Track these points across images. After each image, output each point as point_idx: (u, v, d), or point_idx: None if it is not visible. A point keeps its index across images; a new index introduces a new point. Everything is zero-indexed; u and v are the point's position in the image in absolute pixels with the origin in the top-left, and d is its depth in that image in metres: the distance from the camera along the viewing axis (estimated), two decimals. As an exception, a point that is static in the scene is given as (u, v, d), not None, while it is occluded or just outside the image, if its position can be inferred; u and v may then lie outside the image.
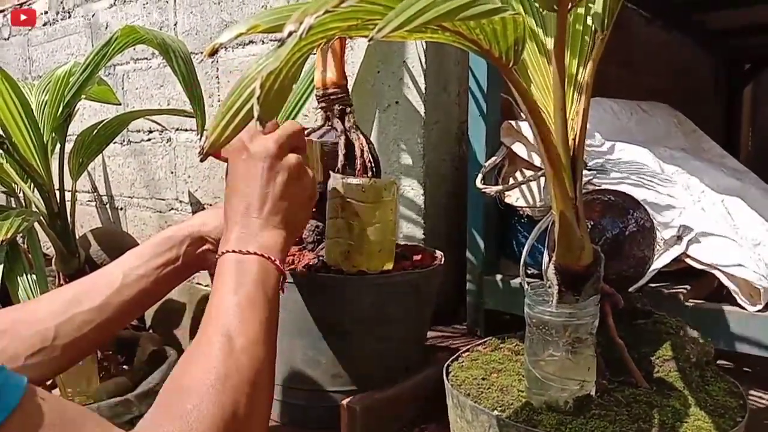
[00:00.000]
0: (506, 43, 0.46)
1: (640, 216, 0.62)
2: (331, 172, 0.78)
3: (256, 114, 0.31)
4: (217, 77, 1.43)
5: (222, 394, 0.48)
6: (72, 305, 0.65)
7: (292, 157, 0.65)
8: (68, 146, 1.20)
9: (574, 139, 0.55)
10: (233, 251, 0.59)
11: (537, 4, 0.56)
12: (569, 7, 0.48)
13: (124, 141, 1.71)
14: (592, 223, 0.62)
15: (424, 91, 1.13)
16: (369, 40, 0.30)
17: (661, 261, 0.93)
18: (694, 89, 2.43)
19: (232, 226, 0.62)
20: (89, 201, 1.89)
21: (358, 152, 0.82)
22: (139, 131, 1.66)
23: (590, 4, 0.59)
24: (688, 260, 0.94)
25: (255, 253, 0.59)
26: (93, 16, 1.77)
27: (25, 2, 2.04)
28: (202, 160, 0.48)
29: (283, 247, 0.62)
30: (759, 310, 0.89)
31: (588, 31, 0.59)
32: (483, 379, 0.67)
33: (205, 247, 0.72)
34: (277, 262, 0.60)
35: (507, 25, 0.43)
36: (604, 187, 0.97)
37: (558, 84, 0.52)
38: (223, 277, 0.58)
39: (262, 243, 0.60)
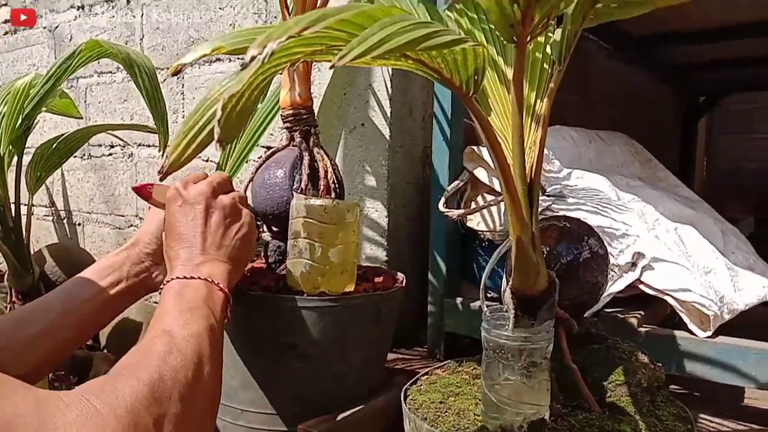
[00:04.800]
0: (467, 72, 0.47)
1: (594, 243, 0.64)
2: (294, 193, 0.78)
3: (216, 136, 0.31)
4: (183, 93, 1.43)
5: (163, 364, 0.48)
6: (15, 328, 0.64)
7: (225, 198, 0.68)
8: (26, 158, 1.17)
9: (531, 167, 0.56)
10: (177, 278, 0.60)
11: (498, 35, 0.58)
12: (528, 40, 0.50)
13: (84, 155, 1.68)
14: (547, 248, 0.64)
15: (389, 115, 1.15)
16: (331, 67, 0.30)
17: (616, 287, 0.95)
18: (652, 119, 2.52)
19: (175, 263, 0.63)
20: (46, 215, 1.84)
21: (321, 173, 0.82)
22: (100, 145, 1.64)
23: (549, 34, 0.61)
24: (641, 286, 0.97)
25: (199, 278, 0.60)
26: (56, 27, 1.74)
27: (-13, 11, 2.00)
28: (162, 179, 0.47)
29: (227, 277, 0.64)
30: (708, 336, 0.92)
31: (547, 59, 0.61)
32: (441, 402, 0.67)
33: (146, 265, 0.72)
34: (222, 286, 0.61)
35: (467, 55, 0.45)
36: (561, 212, 0.99)
37: (516, 113, 0.53)
38: (166, 298, 0.59)
39: (207, 273, 0.61)
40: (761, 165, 3.12)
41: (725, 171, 3.23)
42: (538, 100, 0.58)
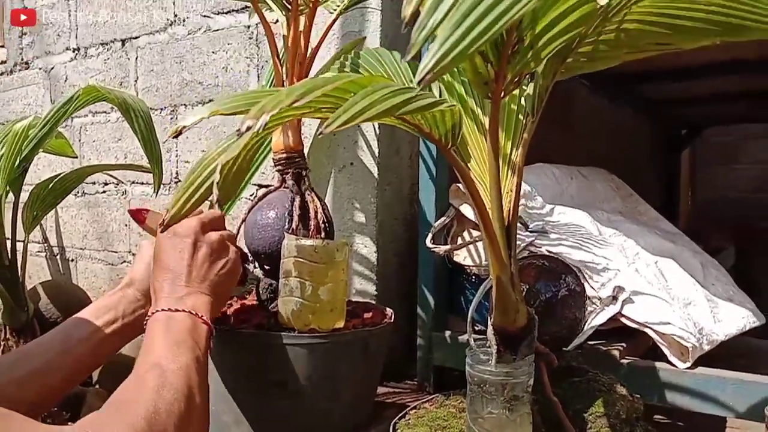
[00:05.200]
0: (444, 127, 0.51)
1: (571, 280, 0.67)
2: (285, 233, 0.82)
3: (215, 197, 0.34)
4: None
5: (158, 397, 0.52)
6: (11, 368, 0.67)
7: (213, 234, 0.71)
8: (23, 196, 1.20)
9: (509, 211, 0.60)
10: (162, 310, 0.63)
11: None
12: (502, 96, 0.54)
13: (78, 192, 1.71)
14: (527, 286, 0.67)
15: (377, 154, 1.19)
16: (318, 135, 0.34)
17: (598, 320, 0.99)
18: (634, 153, 2.58)
19: (159, 294, 0.66)
20: (39, 251, 1.86)
21: (312, 214, 0.86)
22: (94, 183, 1.67)
23: (524, 87, 0.65)
24: (623, 319, 1.00)
25: (183, 311, 0.63)
26: (52, 68, 1.79)
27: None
28: (162, 231, 0.51)
29: (209, 309, 0.67)
30: (688, 367, 0.95)
31: (522, 110, 0.65)
32: (427, 436, 0.69)
33: (141, 303, 0.75)
34: (205, 318, 0.65)
35: (444, 113, 0.49)
36: (544, 248, 1.02)
37: (493, 161, 0.57)
38: (152, 331, 0.62)
39: (190, 305, 0.64)
40: (742, 195, 3.18)
41: (708, 201, 3.30)
42: (514, 149, 0.62)
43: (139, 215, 0.75)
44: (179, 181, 1.46)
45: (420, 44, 0.28)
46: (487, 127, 0.63)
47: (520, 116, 0.65)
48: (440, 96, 0.66)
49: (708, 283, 1.23)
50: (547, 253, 1.00)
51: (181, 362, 0.57)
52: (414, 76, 0.63)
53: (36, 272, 1.86)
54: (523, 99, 0.65)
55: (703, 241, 1.76)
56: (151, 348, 0.59)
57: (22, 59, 1.89)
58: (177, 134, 0.39)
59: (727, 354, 1.03)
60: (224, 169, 0.35)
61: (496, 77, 0.53)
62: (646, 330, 0.98)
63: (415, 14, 0.30)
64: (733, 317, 1.13)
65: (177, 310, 0.63)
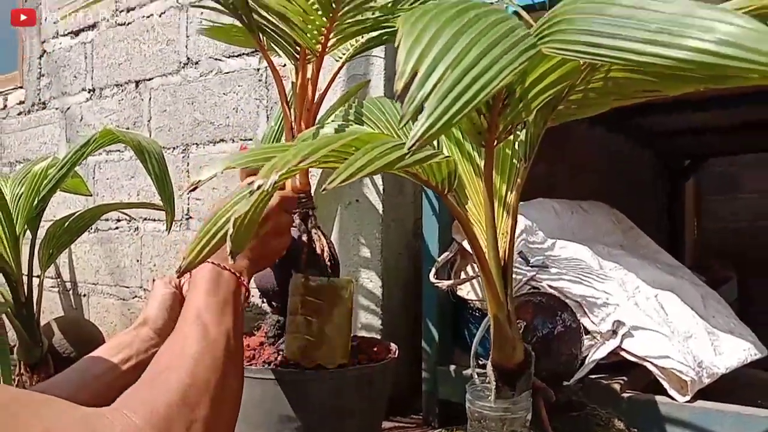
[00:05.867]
0: (441, 175, 0.54)
1: (567, 317, 0.70)
2: (293, 272, 0.85)
3: (229, 248, 0.38)
4: (188, 171, 1.51)
5: (196, 366, 0.53)
6: None
7: (285, 216, 0.77)
8: (40, 232, 1.24)
9: (505, 252, 0.63)
10: (211, 263, 0.65)
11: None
12: (495, 144, 0.58)
13: (92, 229, 1.75)
14: (524, 323, 0.69)
15: (382, 191, 1.22)
16: (322, 191, 0.37)
17: (598, 354, 1.00)
18: (637, 184, 2.60)
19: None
20: (52, 287, 1.89)
21: (318, 252, 0.89)
22: (107, 220, 1.71)
23: (517, 132, 0.69)
24: (623, 353, 1.02)
25: (230, 270, 0.66)
26: (68, 108, 1.85)
27: (1, 93, 2.12)
28: (178, 278, 0.54)
29: (249, 274, 0.71)
30: (688, 401, 0.96)
31: (516, 155, 0.68)
32: (430, 469, 0.71)
33: (155, 341, 0.77)
34: (246, 283, 0.68)
35: (441, 163, 0.52)
36: (545, 283, 1.05)
37: (488, 205, 0.60)
38: (200, 282, 0.64)
39: (236, 265, 0.67)
40: (747, 224, 3.19)
41: (714, 231, 3.30)
42: (509, 192, 0.65)
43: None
44: (190, 218, 1.50)
45: (411, 114, 0.32)
46: (483, 170, 0.66)
47: (515, 160, 0.68)
48: (438, 141, 0.69)
49: (709, 316, 1.24)
50: (549, 288, 1.03)
51: (223, 327, 0.59)
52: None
53: (49, 307, 1.89)
54: (516, 144, 0.68)
55: (707, 273, 1.78)
56: (195, 301, 0.62)
57: (39, 99, 1.96)
58: (193, 188, 0.43)
59: (732, 386, 1.04)
60: (236, 222, 0.38)
61: (489, 127, 0.56)
62: (646, 364, 1.00)
63: (407, 86, 0.33)
64: (734, 350, 1.15)
65: (224, 268, 0.66)
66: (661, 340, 1.03)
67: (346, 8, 0.75)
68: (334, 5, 0.73)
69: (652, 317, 1.10)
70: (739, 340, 1.19)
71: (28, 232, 1.24)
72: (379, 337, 1.21)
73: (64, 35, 1.86)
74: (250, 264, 0.71)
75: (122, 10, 1.67)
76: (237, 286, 0.66)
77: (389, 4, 0.83)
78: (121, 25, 1.68)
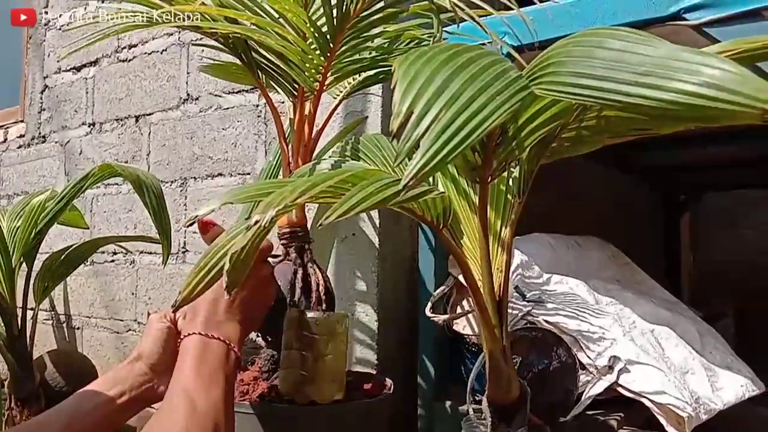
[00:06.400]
0: (436, 211, 0.55)
1: (563, 352, 0.70)
2: (288, 306, 0.85)
3: (225, 284, 0.38)
4: (185, 205, 1.52)
5: None
6: None
7: (265, 269, 0.75)
8: (35, 264, 1.24)
9: (500, 287, 0.63)
10: (199, 333, 0.65)
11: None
12: (489, 180, 0.58)
13: (87, 261, 1.75)
14: (520, 358, 0.69)
15: (378, 225, 1.23)
16: (318, 226, 0.38)
17: (595, 389, 1.00)
18: (633, 219, 2.62)
19: (200, 311, 0.69)
20: (46, 319, 1.88)
21: (314, 286, 0.89)
22: (103, 253, 1.71)
23: (511, 169, 0.70)
24: (619, 389, 1.01)
25: (219, 339, 0.66)
26: (68, 142, 1.87)
27: (1, 127, 2.14)
28: (174, 312, 0.54)
29: (240, 340, 0.70)
30: (685, 437, 0.95)
31: (510, 191, 0.69)
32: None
33: (149, 377, 0.77)
34: (236, 349, 0.67)
35: (436, 199, 0.53)
36: (541, 318, 1.05)
37: (483, 240, 0.61)
38: (188, 354, 0.64)
39: (225, 332, 0.67)
40: (744, 259, 3.20)
41: (711, 266, 3.31)
42: (503, 227, 0.66)
43: (205, 226, 0.78)
44: (187, 251, 1.50)
45: (406, 153, 0.33)
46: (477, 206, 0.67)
47: (509, 196, 0.69)
48: (433, 177, 0.70)
49: (706, 352, 1.24)
50: (544, 323, 1.03)
51: (211, 398, 0.59)
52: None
53: (42, 340, 1.87)
54: (511, 180, 0.70)
55: (704, 308, 1.78)
56: (184, 373, 0.62)
57: (39, 133, 1.98)
58: (191, 223, 0.43)
59: (729, 423, 1.04)
60: (233, 258, 0.39)
61: (483, 164, 0.57)
62: (643, 400, 1.00)
63: (403, 126, 0.34)
64: (732, 385, 1.14)
65: (213, 337, 0.66)
66: (657, 376, 1.02)
67: (344, 48, 0.77)
68: (331, 45, 0.75)
69: (648, 352, 1.09)
70: (737, 375, 1.18)
71: (24, 264, 1.24)
72: (374, 371, 1.20)
73: (66, 70, 1.89)
74: (240, 329, 0.71)
75: (124, 47, 1.70)
76: (226, 354, 0.66)
77: (386, 45, 0.85)
78: (123, 61, 1.71)
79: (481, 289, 0.61)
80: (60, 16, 1.93)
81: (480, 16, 0.73)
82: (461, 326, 1.18)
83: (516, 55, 0.66)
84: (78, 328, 1.78)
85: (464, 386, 1.16)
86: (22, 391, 1.20)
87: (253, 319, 0.74)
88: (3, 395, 1.26)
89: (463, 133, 0.33)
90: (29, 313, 1.22)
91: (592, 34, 0.44)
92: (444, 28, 0.83)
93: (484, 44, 0.80)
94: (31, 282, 1.23)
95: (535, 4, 0.89)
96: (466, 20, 0.72)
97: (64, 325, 1.82)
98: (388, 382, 0.93)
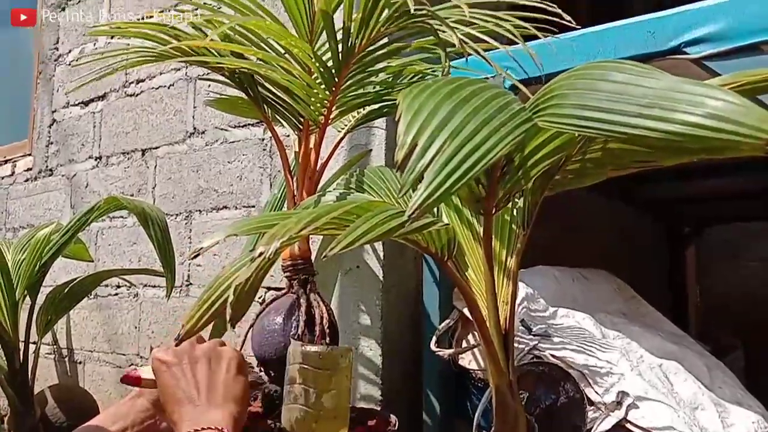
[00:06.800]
0: (441, 242, 0.55)
1: (570, 387, 0.69)
2: (291, 339, 0.84)
3: (228, 316, 0.38)
4: (190, 238, 1.52)
5: None
6: None
7: (203, 345, 0.70)
8: (39, 297, 1.24)
9: (506, 320, 0.63)
10: (196, 430, 0.63)
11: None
12: (493, 212, 0.58)
13: (91, 295, 1.74)
14: (527, 393, 0.68)
15: (382, 257, 1.23)
16: (323, 258, 0.38)
17: (603, 426, 0.98)
18: (637, 252, 2.61)
19: (180, 426, 0.65)
20: (48, 353, 1.87)
21: (317, 319, 0.88)
22: (107, 286, 1.71)
23: (516, 200, 0.70)
24: (628, 425, 0.99)
25: (208, 428, 0.63)
26: (74, 175, 1.88)
27: (9, 160, 2.16)
28: (177, 345, 0.54)
29: (232, 420, 0.66)
30: (697, 476, 0.93)
31: (515, 222, 0.69)
32: None
33: (151, 413, 0.75)
34: (229, 429, 0.64)
35: (440, 230, 0.53)
36: (547, 352, 1.04)
37: (488, 272, 0.61)
38: None
39: (211, 421, 0.64)
40: (750, 292, 3.17)
41: (717, 299, 3.28)
42: (509, 258, 0.65)
43: (132, 379, 0.74)
44: (190, 284, 1.50)
45: (411, 184, 0.33)
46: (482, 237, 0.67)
47: (514, 226, 0.69)
48: (437, 209, 0.70)
49: (715, 387, 1.22)
50: (551, 357, 1.01)
51: None
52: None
53: (43, 374, 1.86)
54: (515, 211, 0.69)
55: (711, 342, 1.76)
56: None
57: (46, 166, 1.99)
58: (195, 256, 0.43)
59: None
60: (237, 290, 0.39)
61: (487, 195, 0.57)
62: (653, 436, 0.98)
63: (407, 157, 0.35)
64: (743, 422, 1.12)
65: (202, 429, 0.63)
66: (667, 412, 1.00)
67: (349, 82, 0.78)
68: (336, 79, 0.76)
69: (657, 388, 1.07)
70: (748, 411, 1.16)
71: (27, 297, 1.24)
72: (378, 408, 1.18)
73: (75, 105, 1.91)
74: (230, 409, 0.67)
75: (132, 82, 1.73)
76: None
77: (389, 79, 0.86)
78: (131, 95, 1.73)
79: (487, 322, 0.60)
80: (69, 51, 1.97)
81: (484, 50, 0.74)
82: (467, 361, 1.16)
83: (522, 87, 0.67)
84: (80, 363, 1.76)
85: (470, 422, 1.14)
86: (23, 426, 1.18)
87: (235, 394, 0.69)
88: (3, 430, 1.24)
89: (467, 165, 0.33)
90: (31, 347, 1.21)
91: (595, 66, 0.45)
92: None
93: (487, 78, 0.81)
94: (34, 315, 1.23)
95: (539, 38, 0.90)
96: (470, 54, 0.73)
97: (66, 359, 1.81)
98: (393, 418, 0.92)
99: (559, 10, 0.76)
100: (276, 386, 0.88)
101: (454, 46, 0.69)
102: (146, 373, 0.72)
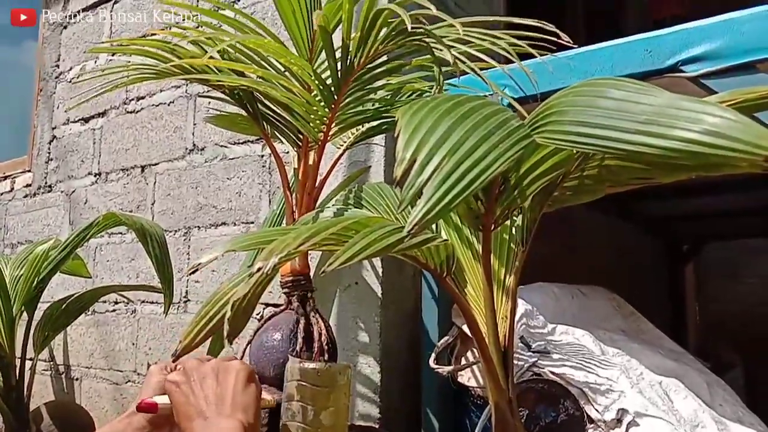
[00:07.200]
0: (439, 258, 0.55)
1: (570, 404, 0.68)
2: (289, 356, 0.83)
3: (226, 332, 0.38)
4: (188, 254, 1.52)
5: None
6: None
7: (208, 362, 0.70)
8: (36, 314, 1.23)
9: (505, 337, 0.62)
10: None
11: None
12: (492, 228, 0.58)
13: (88, 311, 1.73)
14: (527, 411, 0.68)
15: (381, 274, 1.22)
16: (321, 274, 0.38)
17: (604, 444, 0.97)
18: (636, 269, 2.60)
19: None
20: (44, 370, 1.85)
21: (316, 336, 0.88)
22: (105, 302, 1.70)
23: (514, 217, 0.70)
24: (629, 443, 0.99)
25: None
26: (73, 191, 1.88)
27: (9, 176, 2.16)
28: (174, 361, 0.53)
29: (243, 428, 0.65)
30: (699, 495, 0.92)
31: (514, 239, 0.69)
32: None
33: (147, 430, 0.75)
34: None
35: (439, 246, 0.53)
36: (547, 369, 1.03)
37: (487, 288, 0.60)
38: None
39: (221, 428, 0.64)
40: (749, 309, 3.16)
41: (716, 316, 3.27)
42: (507, 275, 0.65)
43: (151, 408, 0.74)
44: (188, 300, 1.49)
45: (409, 200, 0.33)
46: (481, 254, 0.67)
47: (512, 244, 0.69)
48: (436, 225, 0.70)
49: (715, 404, 1.21)
50: (551, 374, 1.01)
51: None
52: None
53: (39, 391, 1.84)
54: (514, 228, 0.70)
55: (711, 359, 1.75)
56: None
57: (46, 182, 1.99)
58: (193, 271, 0.43)
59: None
60: (235, 305, 0.38)
61: (486, 212, 0.57)
62: (654, 454, 0.97)
63: (406, 173, 0.35)
64: (745, 440, 1.11)
65: None
66: (667, 429, 1.00)
67: (348, 100, 0.78)
68: (336, 97, 0.77)
69: (657, 405, 1.07)
70: (749, 429, 1.15)
71: (24, 313, 1.23)
72: (377, 426, 1.17)
73: (75, 122, 1.92)
74: (241, 418, 0.66)
75: (132, 99, 1.74)
76: None
77: (388, 96, 0.86)
78: (131, 112, 1.74)
79: (486, 339, 0.60)
80: (70, 69, 1.98)
81: (480, 69, 0.75)
82: (466, 378, 1.16)
83: (517, 106, 0.67)
84: (77, 379, 1.75)
85: (469, 440, 1.14)
86: (17, 444, 1.17)
87: (245, 402, 0.69)
88: (-3, 449, 1.23)
89: (466, 181, 0.33)
90: (28, 364, 1.20)
91: (593, 84, 0.45)
92: (446, 81, 0.85)
93: (485, 96, 0.81)
94: (31, 331, 1.22)
95: (535, 57, 0.90)
96: (467, 73, 0.74)
97: (63, 375, 1.80)
98: (392, 435, 0.91)
99: (557, 30, 0.77)
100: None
101: (449, 64, 0.69)
102: (160, 399, 0.72)
